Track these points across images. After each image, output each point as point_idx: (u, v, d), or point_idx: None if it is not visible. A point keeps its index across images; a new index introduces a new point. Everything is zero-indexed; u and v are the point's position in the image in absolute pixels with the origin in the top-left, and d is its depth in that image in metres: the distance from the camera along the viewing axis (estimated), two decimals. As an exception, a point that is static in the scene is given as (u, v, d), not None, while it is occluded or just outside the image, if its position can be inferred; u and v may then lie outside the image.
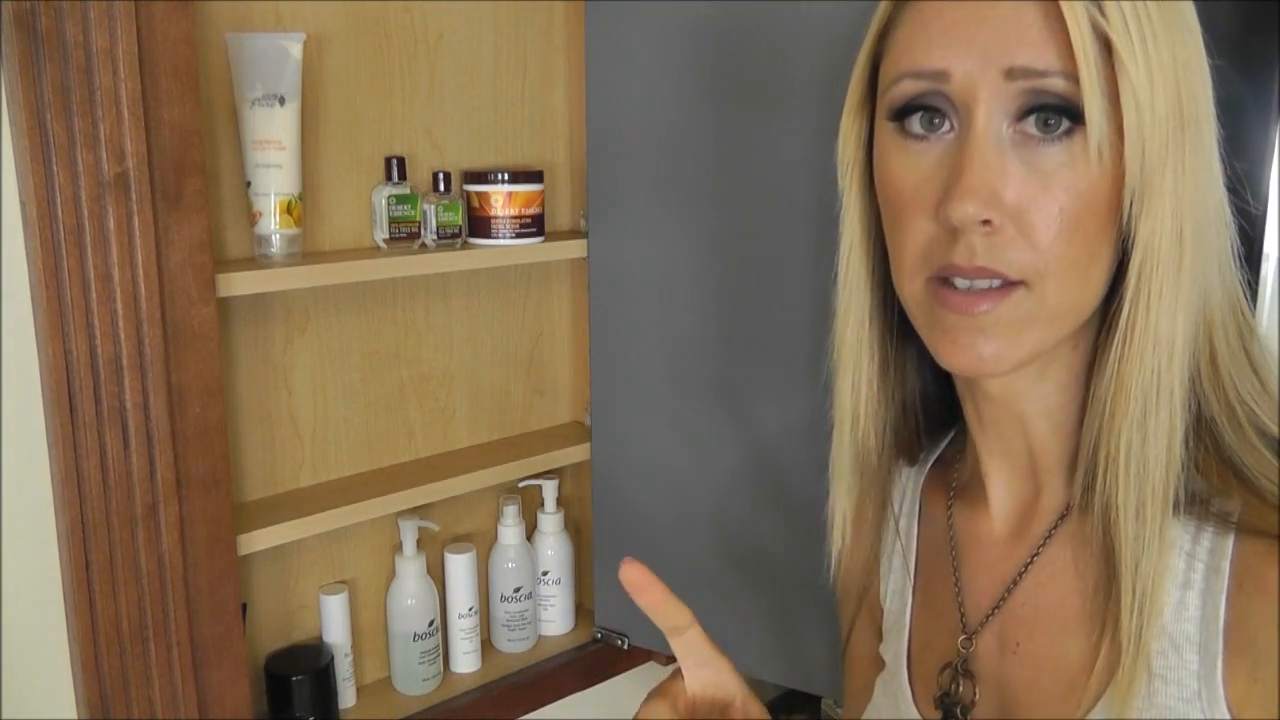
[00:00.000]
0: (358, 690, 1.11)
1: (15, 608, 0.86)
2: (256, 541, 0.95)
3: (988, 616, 0.65)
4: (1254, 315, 0.59)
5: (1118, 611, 0.56)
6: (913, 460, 0.73)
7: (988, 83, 0.52)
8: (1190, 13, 0.54)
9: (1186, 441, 0.55)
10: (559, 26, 1.18)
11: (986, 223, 0.53)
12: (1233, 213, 0.57)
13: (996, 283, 0.54)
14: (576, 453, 1.20)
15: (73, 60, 0.77)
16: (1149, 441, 0.55)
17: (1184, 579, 0.56)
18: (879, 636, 0.76)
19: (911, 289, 0.58)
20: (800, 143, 0.97)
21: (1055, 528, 0.63)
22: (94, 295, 0.80)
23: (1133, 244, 0.53)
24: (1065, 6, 0.51)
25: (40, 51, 0.76)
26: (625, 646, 1.20)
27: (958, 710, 0.66)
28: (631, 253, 1.11)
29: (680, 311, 1.09)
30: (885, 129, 0.58)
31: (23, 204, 0.80)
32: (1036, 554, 0.63)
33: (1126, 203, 0.53)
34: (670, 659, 1.25)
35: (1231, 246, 0.57)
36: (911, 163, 0.56)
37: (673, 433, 1.12)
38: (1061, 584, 0.62)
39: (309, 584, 1.08)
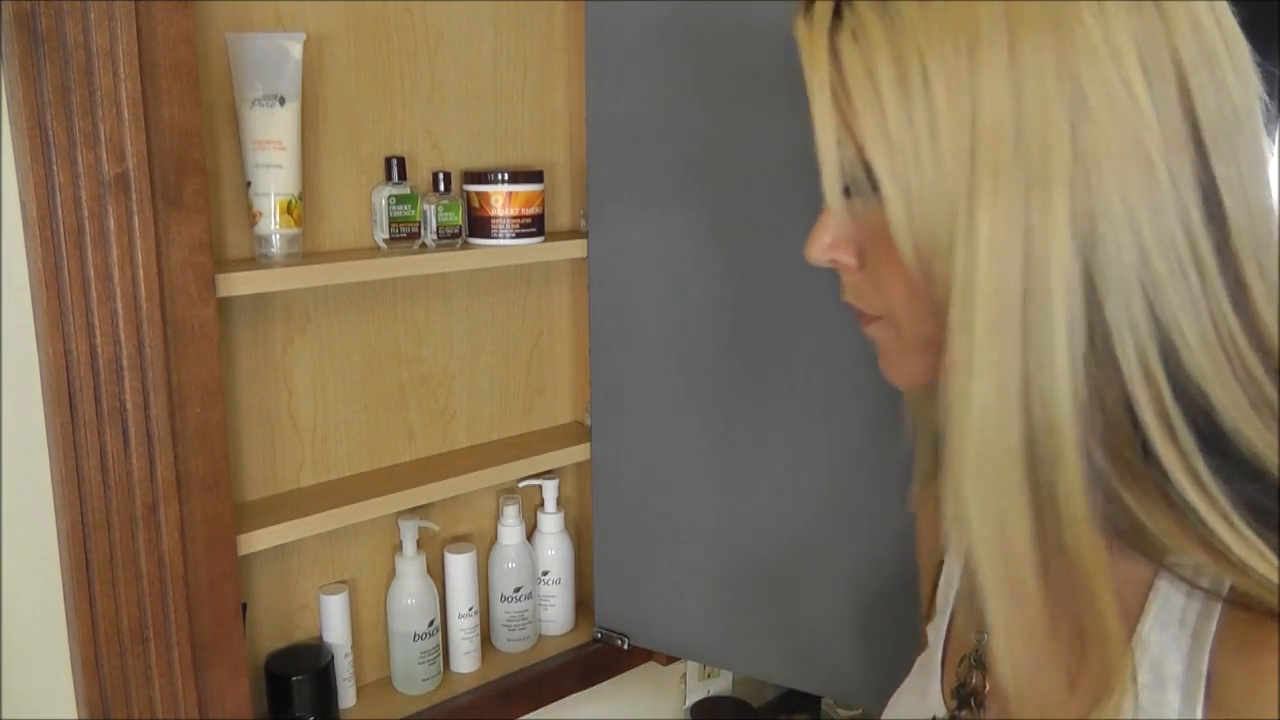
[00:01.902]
0: (358, 690, 1.11)
1: (15, 608, 0.86)
2: (256, 541, 0.95)
3: None
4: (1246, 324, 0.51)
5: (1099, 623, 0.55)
6: None
7: None
8: (1015, 36, 0.49)
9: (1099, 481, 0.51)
10: (559, 26, 1.18)
11: (845, 267, 0.59)
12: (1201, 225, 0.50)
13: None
14: (576, 453, 1.20)
15: (73, 60, 0.77)
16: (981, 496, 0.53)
17: (1181, 615, 0.53)
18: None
19: None
20: (800, 142, 0.97)
21: None
22: (94, 295, 0.80)
23: (942, 293, 0.52)
24: (809, 84, 0.54)
25: (40, 51, 0.76)
26: (625, 646, 1.20)
27: (971, 701, 0.66)
28: (631, 253, 1.11)
29: (680, 311, 1.09)
30: None
31: (23, 204, 0.80)
32: None
33: (910, 257, 0.52)
34: (670, 659, 1.26)
35: (1174, 267, 0.50)
36: None
37: (673, 432, 1.12)
38: None
39: (309, 584, 1.08)
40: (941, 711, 0.68)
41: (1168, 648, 0.53)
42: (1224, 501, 0.49)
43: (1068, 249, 0.49)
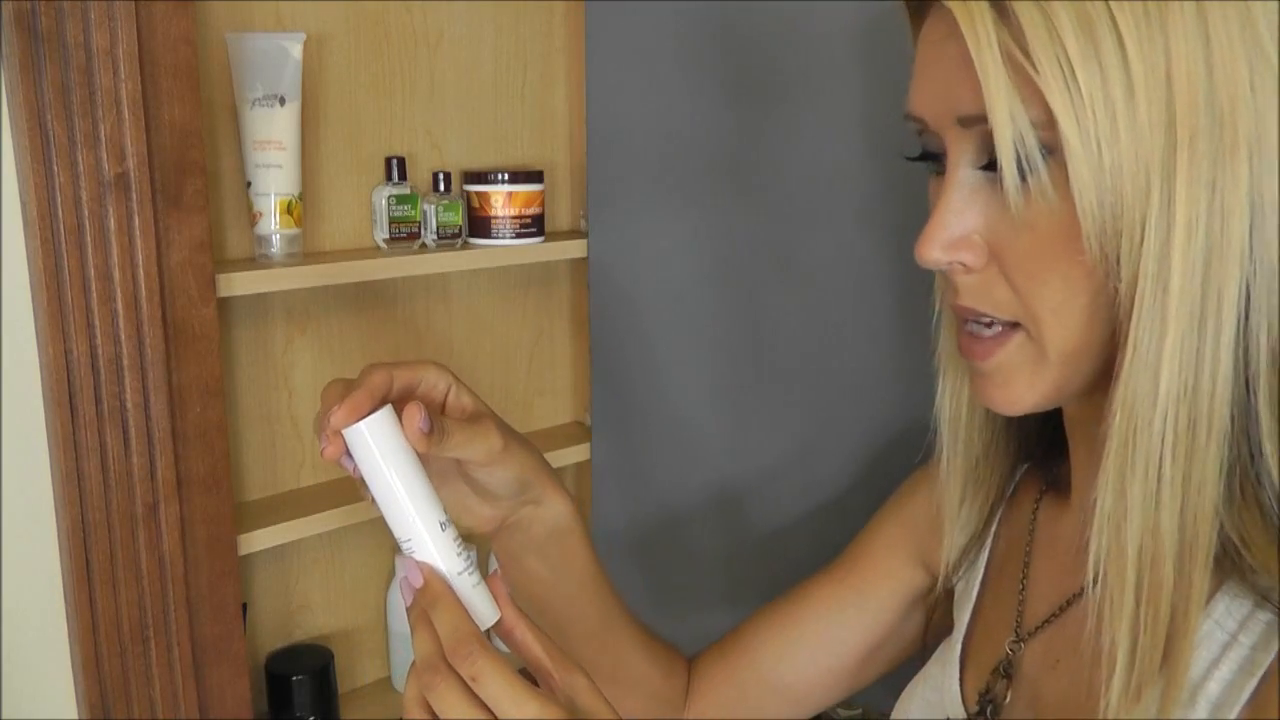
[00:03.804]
0: (358, 690, 1.11)
1: (15, 608, 0.86)
2: (256, 541, 0.95)
3: (1040, 625, 0.63)
4: None
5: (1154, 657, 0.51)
6: (1030, 456, 0.69)
7: (949, 130, 0.51)
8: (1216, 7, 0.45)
9: (1231, 491, 0.49)
10: (559, 26, 1.18)
11: (965, 267, 0.52)
12: None
13: (998, 327, 0.52)
14: (576, 453, 1.20)
15: (73, 60, 0.77)
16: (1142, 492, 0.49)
17: (1233, 635, 0.50)
18: (917, 563, 0.76)
19: (947, 316, 0.58)
20: (800, 141, 0.97)
21: None
22: (94, 295, 0.80)
23: (1126, 280, 0.48)
24: (972, 45, 0.46)
25: (40, 51, 0.76)
26: (625, 646, 1.20)
27: (988, 710, 0.64)
28: (631, 253, 1.11)
29: (681, 312, 1.09)
30: None
31: (23, 204, 0.80)
32: None
33: (1093, 241, 0.47)
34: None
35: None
36: (931, 200, 0.55)
37: (673, 433, 1.12)
38: None
39: (309, 584, 1.08)
40: (959, 713, 0.66)
41: (1205, 667, 0.50)
42: None
43: (1245, 223, 0.46)
